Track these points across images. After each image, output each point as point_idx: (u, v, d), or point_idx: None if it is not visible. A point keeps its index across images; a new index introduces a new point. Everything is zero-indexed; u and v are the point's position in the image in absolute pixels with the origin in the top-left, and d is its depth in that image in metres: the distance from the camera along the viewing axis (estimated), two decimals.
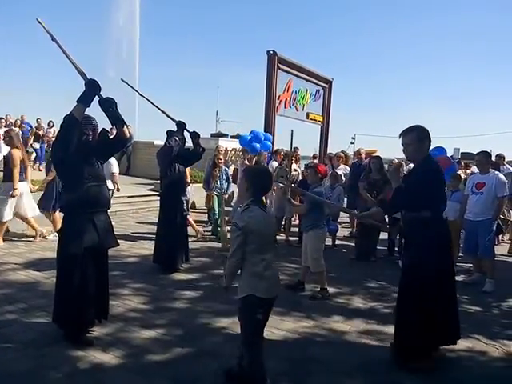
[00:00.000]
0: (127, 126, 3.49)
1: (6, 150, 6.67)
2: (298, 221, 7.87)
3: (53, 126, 14.45)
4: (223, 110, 62.99)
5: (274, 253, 2.80)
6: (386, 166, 7.04)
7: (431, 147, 3.49)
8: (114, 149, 3.74)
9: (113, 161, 7.33)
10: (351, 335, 3.81)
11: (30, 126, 14.25)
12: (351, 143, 33.02)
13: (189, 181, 7.54)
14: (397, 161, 7.65)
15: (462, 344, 3.56)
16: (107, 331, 3.59)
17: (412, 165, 4.44)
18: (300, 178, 7.92)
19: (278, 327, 3.82)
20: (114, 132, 3.48)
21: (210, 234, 7.74)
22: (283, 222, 7.98)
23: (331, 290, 4.87)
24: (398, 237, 6.72)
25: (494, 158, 7.77)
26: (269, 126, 10.93)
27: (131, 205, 9.75)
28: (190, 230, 6.34)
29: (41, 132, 14.27)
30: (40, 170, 11.87)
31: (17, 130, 12.50)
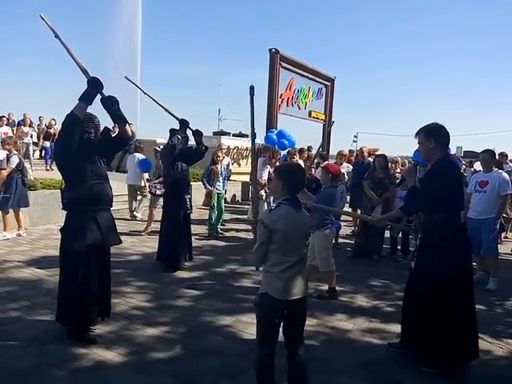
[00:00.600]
0: (129, 125, 3.49)
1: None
2: None
3: (55, 124, 14.44)
4: (225, 108, 63.02)
5: (302, 256, 2.62)
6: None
7: None
8: (116, 147, 3.74)
9: None
10: (354, 333, 3.80)
11: (19, 124, 13.99)
12: (354, 141, 33.07)
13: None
14: (399, 159, 7.62)
15: None
16: (110, 329, 3.59)
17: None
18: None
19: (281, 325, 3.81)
20: (116, 130, 3.47)
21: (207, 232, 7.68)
22: None
23: None
24: (399, 235, 6.71)
25: (497, 157, 7.74)
26: (271, 124, 10.85)
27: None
28: (193, 228, 6.33)
29: (51, 130, 14.29)
30: (52, 170, 11.72)
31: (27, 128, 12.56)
